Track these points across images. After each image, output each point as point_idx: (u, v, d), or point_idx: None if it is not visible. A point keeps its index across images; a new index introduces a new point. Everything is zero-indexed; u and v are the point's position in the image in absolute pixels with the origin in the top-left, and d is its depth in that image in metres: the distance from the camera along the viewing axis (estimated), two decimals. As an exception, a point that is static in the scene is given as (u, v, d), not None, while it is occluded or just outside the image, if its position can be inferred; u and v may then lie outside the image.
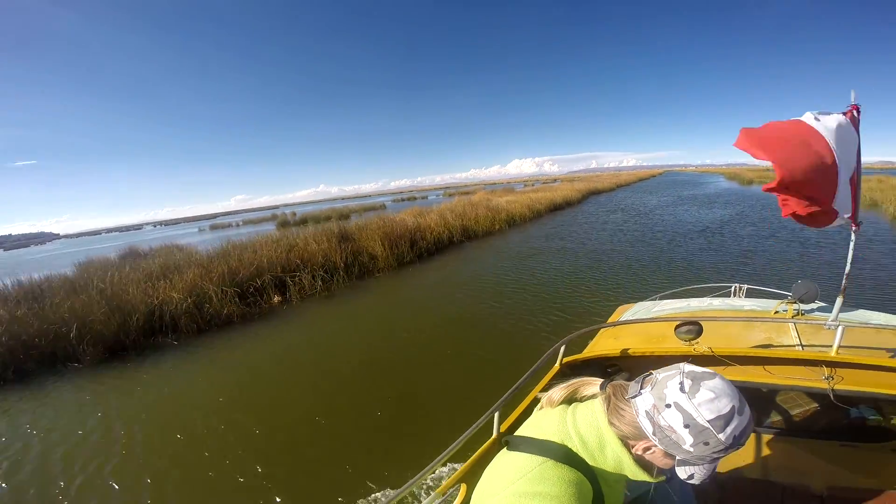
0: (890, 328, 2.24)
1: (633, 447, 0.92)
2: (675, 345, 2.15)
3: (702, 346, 2.09)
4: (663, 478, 0.97)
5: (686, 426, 0.82)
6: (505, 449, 1.01)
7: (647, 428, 0.87)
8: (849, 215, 1.87)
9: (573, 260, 10.96)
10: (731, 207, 21.03)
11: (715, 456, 0.83)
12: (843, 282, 2.11)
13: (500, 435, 1.64)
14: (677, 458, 0.87)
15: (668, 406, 0.84)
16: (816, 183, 1.81)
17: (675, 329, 2.16)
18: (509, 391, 1.66)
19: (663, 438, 0.85)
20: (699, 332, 2.12)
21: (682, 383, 0.85)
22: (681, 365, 0.91)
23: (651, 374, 0.93)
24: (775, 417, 2.58)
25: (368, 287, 10.58)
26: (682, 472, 0.89)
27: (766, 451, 2.36)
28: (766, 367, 2.10)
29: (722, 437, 0.81)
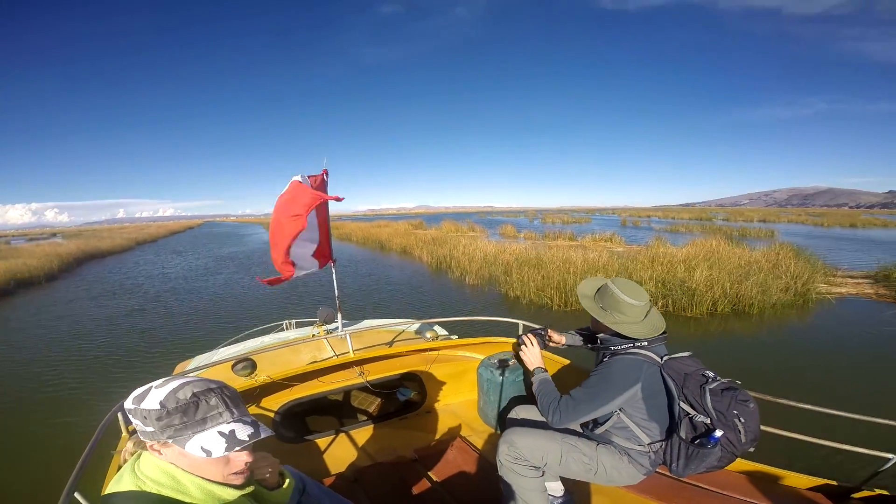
0: (376, 328, 3.63)
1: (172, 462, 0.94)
2: (239, 382, 2.38)
3: (261, 376, 2.45)
4: (250, 487, 1.05)
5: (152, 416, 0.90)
6: None
7: (148, 439, 0.93)
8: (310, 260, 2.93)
9: None
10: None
11: (181, 422, 0.90)
12: (337, 303, 3.16)
13: None
14: (187, 448, 0.90)
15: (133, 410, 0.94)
16: (322, 232, 2.92)
17: (232, 368, 2.48)
18: (73, 474, 1.40)
19: (170, 436, 0.91)
20: (254, 365, 2.51)
21: (135, 395, 0.95)
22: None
23: None
24: (361, 417, 3.16)
25: None
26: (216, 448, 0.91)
27: (367, 442, 2.75)
28: (319, 378, 2.76)
29: (155, 406, 0.90)
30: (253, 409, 2.57)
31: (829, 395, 5.42)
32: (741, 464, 2.09)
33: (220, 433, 0.92)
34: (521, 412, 2.11)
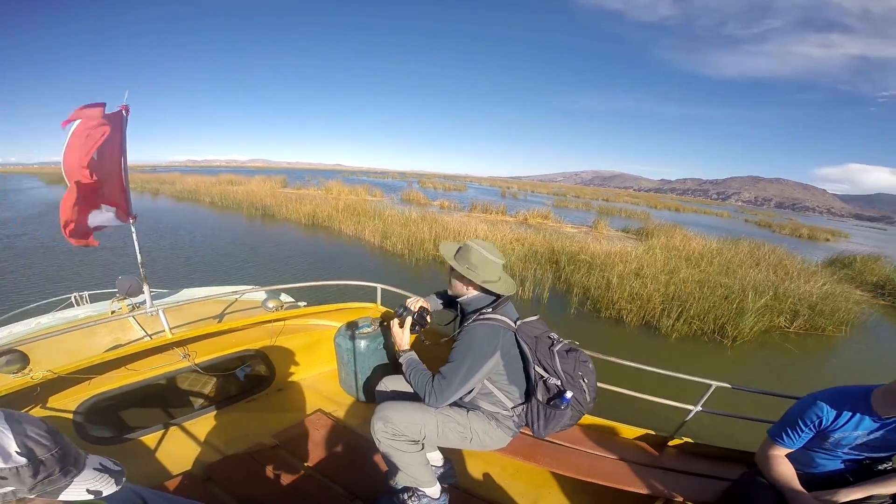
0: (202, 300, 2.83)
1: None
2: (6, 382, 1.87)
3: (39, 372, 1.92)
4: None
5: None
6: None
7: None
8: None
9: None
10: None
11: (63, 469, 0.74)
12: (141, 271, 2.48)
13: None
14: (62, 497, 0.75)
15: None
16: (115, 181, 2.20)
17: None
18: None
19: None
20: (24, 358, 1.92)
21: None
22: None
23: None
24: (199, 402, 2.64)
25: None
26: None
27: (213, 432, 2.36)
28: (127, 366, 2.21)
29: None
30: (37, 412, 2.05)
31: None
32: (584, 419, 2.23)
33: (97, 469, 0.81)
34: (389, 383, 1.99)
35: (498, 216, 19.71)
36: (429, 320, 1.93)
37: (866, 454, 1.67)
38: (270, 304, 2.81)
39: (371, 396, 2.39)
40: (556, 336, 1.75)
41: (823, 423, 1.65)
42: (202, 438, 2.32)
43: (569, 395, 1.63)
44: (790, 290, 7.91)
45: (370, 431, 1.72)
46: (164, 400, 2.60)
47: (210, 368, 2.53)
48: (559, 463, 2.07)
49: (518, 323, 1.73)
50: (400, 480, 1.76)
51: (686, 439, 2.31)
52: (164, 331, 2.28)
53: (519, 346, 1.69)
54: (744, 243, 13.48)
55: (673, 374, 2.13)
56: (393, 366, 2.56)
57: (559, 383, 1.64)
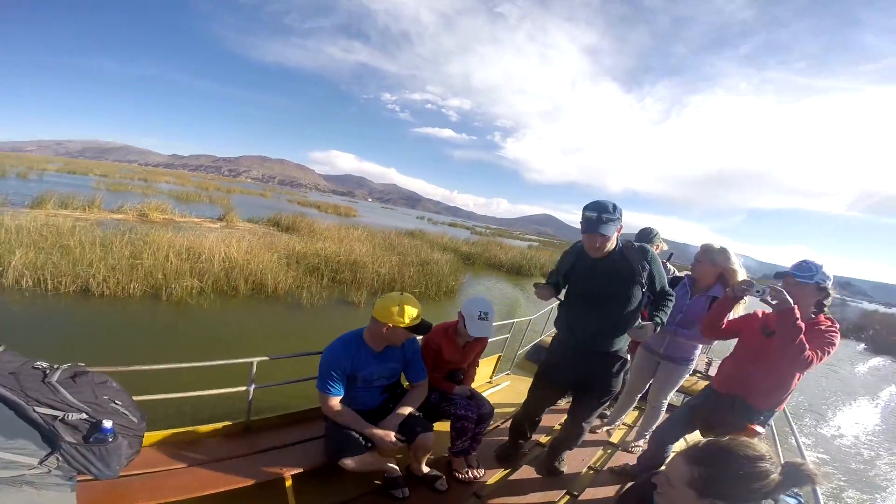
0: None
1: None
2: None
3: None
4: None
5: None
6: None
7: None
8: None
9: None
10: None
11: None
12: None
13: None
14: None
15: None
16: None
17: None
18: None
19: None
20: None
21: None
22: None
23: None
24: None
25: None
26: None
27: None
28: None
29: None
30: None
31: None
32: (164, 434, 2.06)
33: None
34: None
35: (96, 213, 14.77)
36: None
37: (385, 382, 2.05)
38: None
39: None
40: (45, 364, 1.42)
41: (348, 368, 1.90)
42: None
43: (108, 424, 1.39)
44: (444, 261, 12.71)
45: None
46: None
47: None
48: (168, 490, 1.74)
49: None
50: None
51: (268, 415, 2.34)
52: None
53: None
54: (380, 232, 17.87)
55: (214, 362, 2.12)
56: None
57: (84, 416, 1.37)
